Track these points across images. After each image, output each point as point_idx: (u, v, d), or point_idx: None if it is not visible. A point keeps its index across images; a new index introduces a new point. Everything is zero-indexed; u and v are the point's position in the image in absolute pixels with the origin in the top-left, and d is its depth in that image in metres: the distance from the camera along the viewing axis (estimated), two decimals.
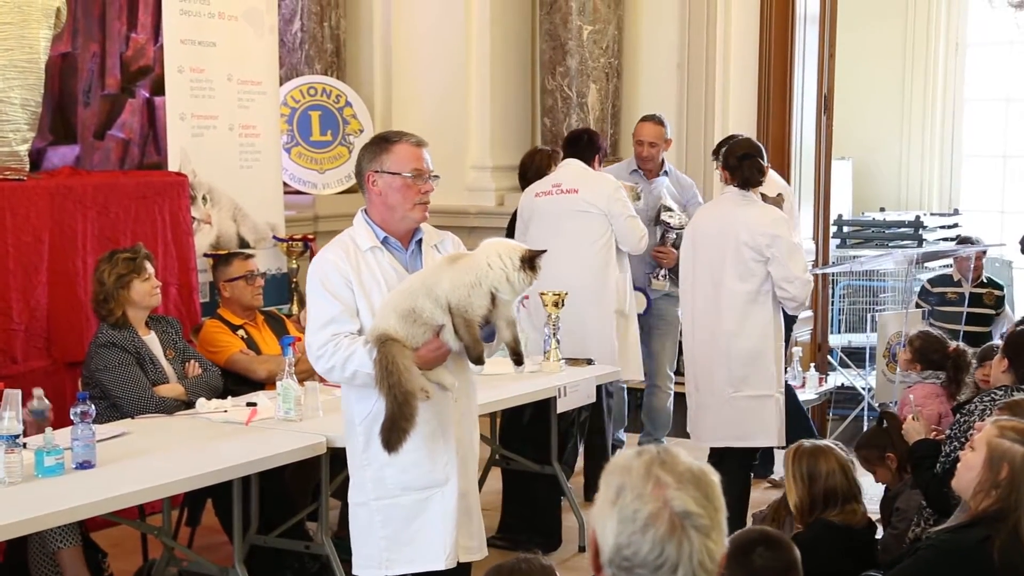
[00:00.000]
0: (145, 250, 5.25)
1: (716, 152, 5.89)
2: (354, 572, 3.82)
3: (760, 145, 5.66)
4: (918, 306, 7.54)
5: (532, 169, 6.66)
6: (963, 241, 8.37)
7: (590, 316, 6.07)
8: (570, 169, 6.32)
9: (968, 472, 3.22)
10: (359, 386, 3.62)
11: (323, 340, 3.61)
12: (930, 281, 7.83)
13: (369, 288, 3.64)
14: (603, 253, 6.12)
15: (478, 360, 3.56)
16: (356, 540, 3.81)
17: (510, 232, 6.53)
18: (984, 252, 8.09)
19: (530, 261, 3.48)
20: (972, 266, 7.76)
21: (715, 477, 1.88)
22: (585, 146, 6.42)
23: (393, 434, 3.44)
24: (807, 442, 3.78)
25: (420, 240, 3.76)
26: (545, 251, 3.58)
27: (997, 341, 5.90)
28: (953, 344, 5.58)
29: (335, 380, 3.76)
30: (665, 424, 6.92)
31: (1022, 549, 3.06)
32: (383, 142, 3.72)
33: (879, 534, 4.35)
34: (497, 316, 3.55)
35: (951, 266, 8.01)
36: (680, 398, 6.17)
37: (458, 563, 3.74)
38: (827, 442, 3.75)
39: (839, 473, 3.77)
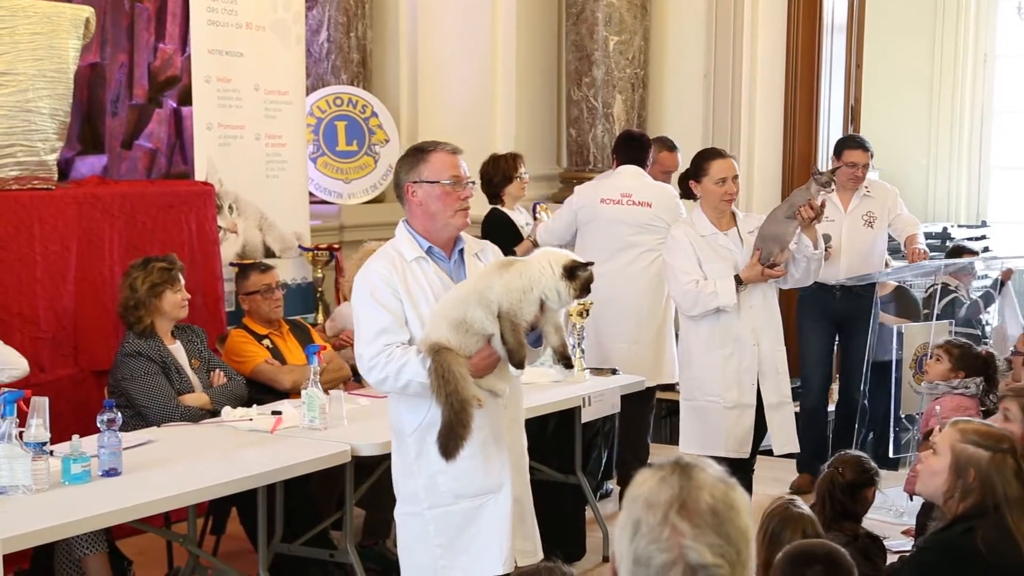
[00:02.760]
0: (179, 261, 5.28)
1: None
2: None
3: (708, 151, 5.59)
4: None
5: (499, 175, 6.66)
6: (958, 251, 8.26)
7: (654, 327, 6.20)
8: (635, 179, 6.30)
9: (933, 478, 3.27)
10: (411, 395, 3.64)
11: (375, 351, 3.63)
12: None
13: (417, 298, 3.66)
14: None
15: (520, 364, 3.58)
16: (406, 551, 3.81)
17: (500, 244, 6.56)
18: None
19: (570, 271, 3.50)
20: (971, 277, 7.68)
21: (741, 501, 1.83)
22: (643, 148, 6.42)
23: (451, 441, 3.46)
24: (796, 504, 3.58)
25: (462, 249, 3.80)
26: (592, 263, 3.59)
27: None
28: (982, 348, 5.53)
29: (387, 390, 3.75)
30: None
31: (1006, 535, 3.11)
32: (419, 152, 3.76)
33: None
34: (545, 322, 3.60)
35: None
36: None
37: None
38: (806, 511, 3.60)
39: None
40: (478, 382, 3.57)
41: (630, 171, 6.34)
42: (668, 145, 7.00)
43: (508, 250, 6.38)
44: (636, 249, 6.21)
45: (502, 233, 6.56)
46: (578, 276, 3.52)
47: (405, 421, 3.74)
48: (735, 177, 5.32)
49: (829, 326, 6.71)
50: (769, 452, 5.64)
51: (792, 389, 6.19)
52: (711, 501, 1.80)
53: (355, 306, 3.77)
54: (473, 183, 3.78)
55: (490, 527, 3.71)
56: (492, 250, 3.90)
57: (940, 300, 7.05)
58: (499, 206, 6.69)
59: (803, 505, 3.57)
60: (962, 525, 3.18)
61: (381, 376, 3.63)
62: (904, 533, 5.57)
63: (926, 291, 7.30)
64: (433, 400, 3.49)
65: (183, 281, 5.21)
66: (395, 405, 3.78)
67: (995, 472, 3.16)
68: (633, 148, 6.43)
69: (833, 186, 5.31)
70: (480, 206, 8.04)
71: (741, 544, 1.80)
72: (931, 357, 5.56)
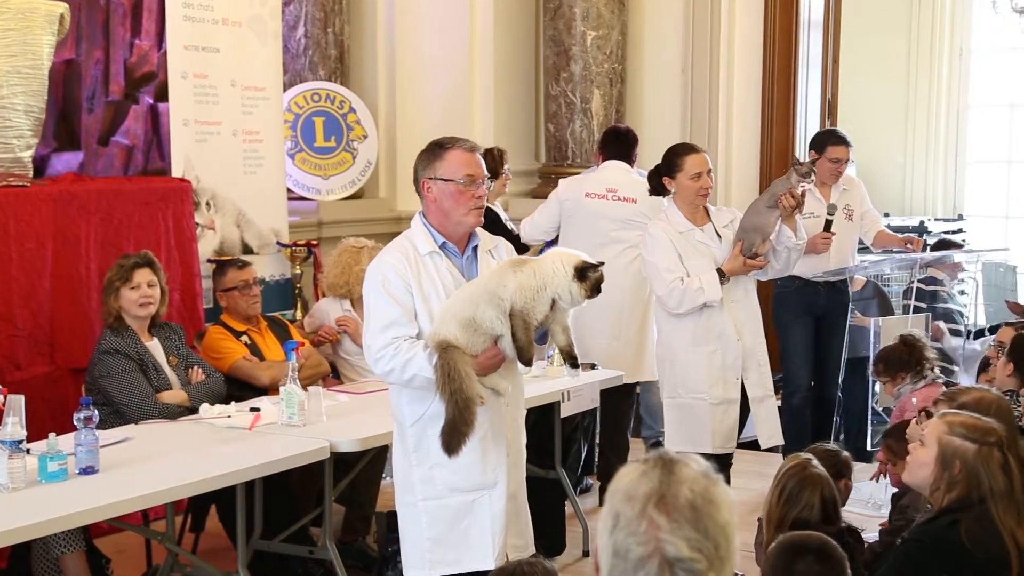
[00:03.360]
0: (145, 258, 5.19)
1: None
2: (405, 573, 3.89)
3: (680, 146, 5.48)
4: (917, 310, 7.51)
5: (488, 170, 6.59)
6: (943, 244, 8.32)
7: (635, 324, 6.17)
8: (622, 175, 6.27)
9: (920, 469, 3.30)
10: (416, 389, 3.69)
11: (383, 343, 3.67)
12: (922, 281, 7.79)
13: (428, 293, 3.70)
14: None
15: (528, 362, 3.65)
16: (403, 541, 3.88)
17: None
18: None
19: (581, 272, 3.57)
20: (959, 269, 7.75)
21: (722, 496, 1.84)
22: (627, 143, 6.38)
23: (454, 438, 3.51)
24: (813, 464, 3.61)
25: (476, 246, 3.83)
26: (603, 263, 3.66)
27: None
28: (897, 337, 5.59)
29: (393, 382, 3.81)
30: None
31: (990, 528, 3.13)
32: (437, 148, 3.79)
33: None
34: (553, 321, 3.67)
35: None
36: None
37: None
38: (823, 471, 3.67)
39: (817, 508, 3.56)
40: (482, 380, 3.62)
41: (616, 166, 6.32)
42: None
43: None
44: (619, 245, 6.17)
45: (490, 228, 6.53)
46: (589, 277, 3.58)
47: (406, 413, 3.78)
48: (709, 171, 5.26)
49: (811, 322, 6.72)
50: (753, 445, 5.65)
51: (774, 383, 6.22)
52: (690, 496, 1.80)
53: (366, 296, 3.81)
54: (491, 179, 3.85)
55: (483, 522, 3.75)
56: (506, 247, 3.95)
57: (926, 291, 7.11)
58: None
59: (819, 465, 3.59)
60: (947, 517, 3.19)
61: (387, 368, 3.68)
62: (881, 525, 5.59)
63: (908, 284, 7.34)
64: (437, 396, 3.54)
65: (149, 278, 5.11)
66: (397, 397, 3.82)
67: (981, 465, 3.17)
68: (619, 144, 6.41)
69: (813, 177, 5.28)
70: None
71: (720, 539, 1.80)
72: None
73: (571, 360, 3.78)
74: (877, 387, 6.89)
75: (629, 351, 6.20)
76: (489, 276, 3.68)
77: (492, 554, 3.75)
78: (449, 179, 3.73)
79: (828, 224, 6.43)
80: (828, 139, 6.66)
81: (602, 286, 3.71)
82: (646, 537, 1.78)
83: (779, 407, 6.79)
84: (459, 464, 3.66)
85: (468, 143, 3.82)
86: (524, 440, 3.96)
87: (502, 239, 4.01)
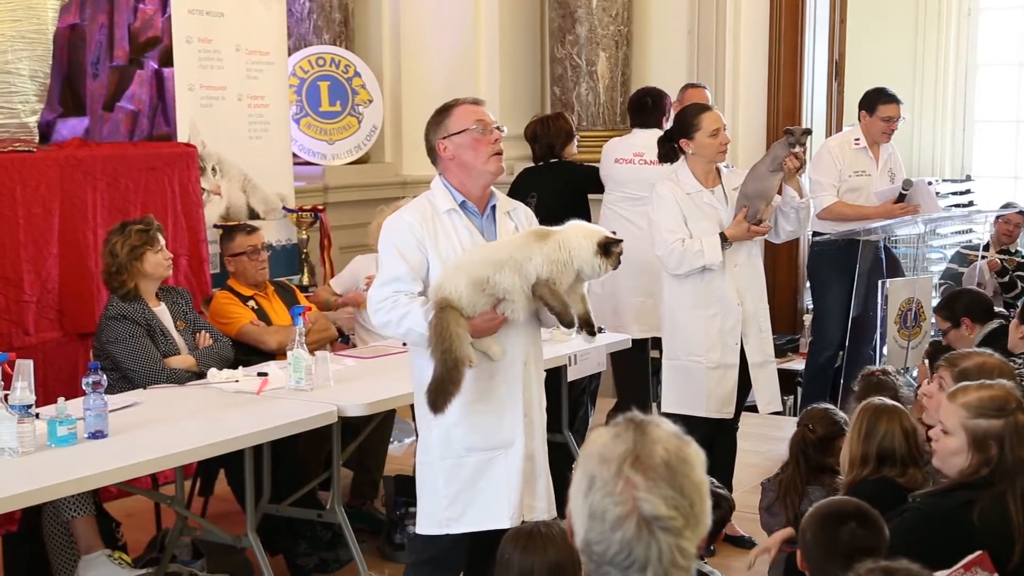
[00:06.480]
0: (156, 222, 5.25)
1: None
2: (417, 530, 3.90)
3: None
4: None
5: (562, 135, 6.59)
6: (1008, 207, 8.39)
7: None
8: (651, 138, 6.12)
9: (954, 457, 3.21)
10: (413, 344, 3.75)
11: (384, 295, 3.71)
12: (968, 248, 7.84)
13: (445, 251, 3.71)
14: None
15: (571, 323, 3.68)
16: (420, 498, 3.89)
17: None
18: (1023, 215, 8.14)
19: (605, 248, 3.62)
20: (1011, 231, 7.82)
21: (695, 456, 1.86)
22: (651, 111, 6.34)
23: (440, 397, 3.55)
24: (878, 400, 3.77)
25: (495, 206, 3.84)
26: (621, 240, 3.69)
27: None
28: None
29: (389, 335, 3.89)
30: None
31: (1004, 512, 3.08)
32: (443, 111, 3.81)
33: None
34: (572, 292, 3.69)
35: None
36: None
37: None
38: (898, 404, 3.77)
39: (899, 436, 3.66)
40: (474, 343, 3.62)
41: (645, 132, 6.29)
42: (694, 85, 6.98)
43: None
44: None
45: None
46: (612, 252, 3.63)
47: (425, 374, 3.74)
48: (724, 127, 5.18)
49: (849, 282, 6.68)
50: (753, 409, 5.64)
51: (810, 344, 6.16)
52: (664, 455, 1.83)
53: (379, 250, 3.86)
54: (501, 129, 3.80)
55: (498, 481, 3.76)
56: (524, 210, 3.94)
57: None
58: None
59: (889, 399, 3.77)
60: (963, 494, 3.13)
61: (385, 320, 3.72)
62: None
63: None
64: (429, 353, 3.57)
65: (164, 241, 5.18)
66: (417, 358, 3.80)
67: (1013, 435, 3.12)
68: (638, 113, 6.40)
69: (805, 142, 5.19)
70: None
71: (695, 497, 1.83)
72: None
73: (588, 327, 3.79)
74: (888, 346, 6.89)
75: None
76: (514, 245, 3.67)
77: (507, 514, 3.74)
78: (461, 130, 3.73)
79: (902, 197, 6.58)
80: (878, 98, 6.67)
81: (628, 245, 3.76)
82: (623, 497, 1.81)
83: (804, 364, 6.84)
84: (476, 423, 3.71)
85: (471, 98, 3.84)
86: (543, 403, 3.95)
87: (519, 203, 3.99)
